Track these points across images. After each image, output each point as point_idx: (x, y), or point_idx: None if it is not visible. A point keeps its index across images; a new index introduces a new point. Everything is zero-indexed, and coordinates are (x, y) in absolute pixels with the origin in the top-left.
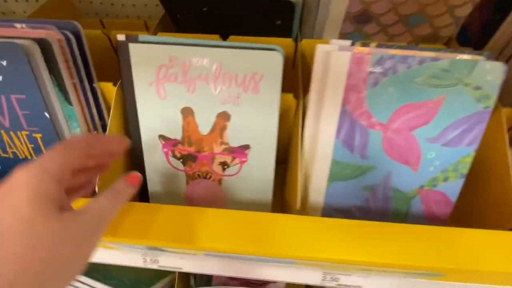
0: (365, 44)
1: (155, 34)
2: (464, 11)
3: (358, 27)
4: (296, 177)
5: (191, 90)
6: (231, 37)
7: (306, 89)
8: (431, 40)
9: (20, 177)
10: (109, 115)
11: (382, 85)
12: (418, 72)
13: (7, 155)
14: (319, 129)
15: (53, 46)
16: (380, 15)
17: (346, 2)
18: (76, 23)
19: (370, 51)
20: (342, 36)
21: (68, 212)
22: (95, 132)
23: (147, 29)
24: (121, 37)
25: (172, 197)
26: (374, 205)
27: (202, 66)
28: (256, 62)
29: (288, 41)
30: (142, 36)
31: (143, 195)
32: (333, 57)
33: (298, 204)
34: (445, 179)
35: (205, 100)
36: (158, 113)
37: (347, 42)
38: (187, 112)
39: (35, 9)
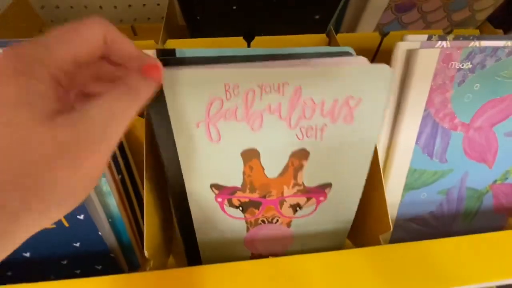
0: (442, 38)
1: (163, 42)
2: None
3: (398, 15)
4: (381, 192)
5: (257, 128)
6: (257, 38)
7: None
8: (465, 24)
9: (6, 67)
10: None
11: (468, 82)
12: (506, 65)
13: None
14: (398, 135)
15: None
16: (423, 2)
17: None
18: None
19: (456, 46)
20: (379, 26)
21: (64, 115)
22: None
23: (135, 34)
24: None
25: (228, 245)
26: (448, 207)
27: (273, 94)
28: (355, 82)
29: (321, 37)
30: (180, 51)
31: (191, 243)
32: (419, 56)
33: (390, 225)
34: None
35: (276, 138)
36: (209, 158)
37: (423, 37)
38: (250, 155)
39: None
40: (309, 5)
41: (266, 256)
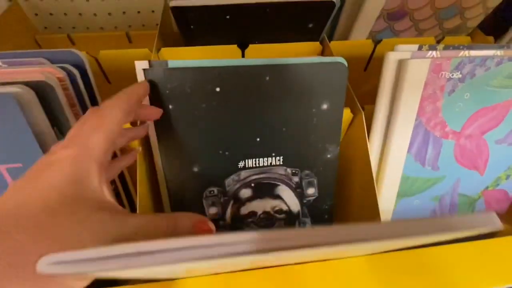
0: (432, 48)
1: (158, 51)
2: (495, 2)
3: (390, 24)
4: (373, 198)
5: None
6: (251, 46)
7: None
8: (457, 31)
9: (62, 155)
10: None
11: (458, 92)
12: (495, 74)
13: None
14: (390, 144)
15: (55, 89)
16: (415, 10)
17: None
18: (77, 52)
19: (446, 55)
20: (372, 34)
21: (111, 211)
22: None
23: (130, 41)
24: (140, 65)
25: None
26: (440, 214)
27: None
28: None
29: (314, 45)
30: (172, 62)
31: None
32: (409, 66)
33: None
34: (507, 177)
35: None
36: None
37: (413, 47)
38: None
39: None
40: (302, 14)
41: None
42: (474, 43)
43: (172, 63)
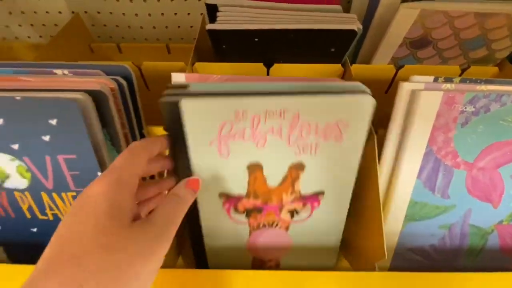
0: (447, 80)
1: (192, 64)
2: None
3: (413, 51)
4: (379, 222)
5: (261, 145)
6: (276, 65)
7: None
8: (483, 61)
9: (97, 189)
10: None
11: (472, 124)
12: (511, 110)
13: (45, 217)
14: (400, 169)
15: (108, 98)
16: (439, 40)
17: (407, 28)
18: (127, 66)
19: (461, 89)
20: (394, 60)
21: (137, 222)
22: None
23: (169, 52)
24: (177, 76)
25: (232, 248)
26: (450, 242)
27: (276, 118)
28: (343, 109)
29: (336, 67)
30: (195, 85)
31: (198, 249)
32: (422, 97)
33: (385, 254)
34: None
35: (277, 154)
36: (219, 171)
37: (429, 78)
38: (254, 168)
39: (40, 34)
40: (324, 40)
41: (266, 260)
42: (502, 74)
43: (195, 86)
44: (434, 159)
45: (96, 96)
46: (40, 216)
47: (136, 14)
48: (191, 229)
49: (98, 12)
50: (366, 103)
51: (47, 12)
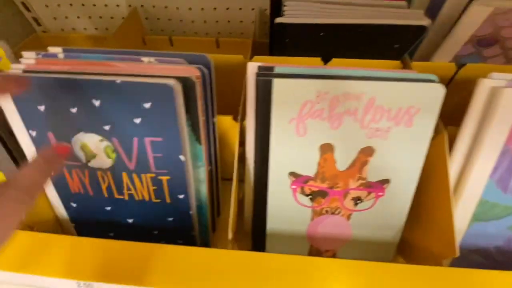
0: None
1: (251, 58)
2: None
3: (479, 49)
4: (449, 219)
5: (336, 126)
6: (334, 60)
7: None
8: None
9: None
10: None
11: None
12: None
13: (121, 196)
14: (472, 167)
15: (196, 84)
16: (507, 39)
17: (477, 26)
18: (206, 56)
19: None
20: (457, 58)
21: None
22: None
23: (218, 46)
24: (253, 67)
25: (292, 235)
26: None
27: (353, 101)
28: (415, 96)
29: (395, 63)
30: (279, 68)
31: (259, 230)
32: (504, 94)
33: (456, 251)
34: None
35: (350, 136)
36: (293, 150)
37: (509, 76)
38: (326, 149)
39: (96, 26)
40: (391, 35)
41: (323, 251)
42: None
43: (280, 69)
44: (511, 159)
45: (184, 83)
46: (117, 195)
47: (190, 8)
48: (256, 210)
49: (153, 6)
50: (438, 91)
51: (105, 5)
